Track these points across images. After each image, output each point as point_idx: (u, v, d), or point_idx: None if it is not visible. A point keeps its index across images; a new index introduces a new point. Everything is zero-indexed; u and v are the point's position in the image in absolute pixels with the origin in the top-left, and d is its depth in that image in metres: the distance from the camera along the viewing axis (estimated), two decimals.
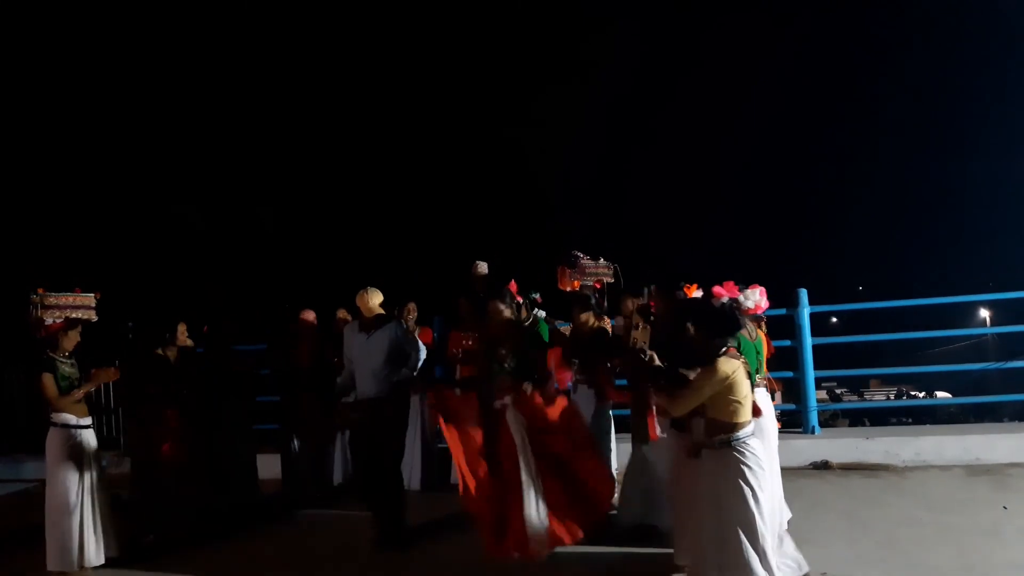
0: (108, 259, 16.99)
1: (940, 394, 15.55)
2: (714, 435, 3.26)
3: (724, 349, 3.27)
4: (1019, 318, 7.57)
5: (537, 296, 5.98)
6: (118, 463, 5.10)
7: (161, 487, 4.95)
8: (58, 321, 4.57)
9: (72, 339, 4.61)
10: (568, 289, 5.88)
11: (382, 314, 4.84)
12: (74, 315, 4.63)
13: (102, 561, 4.55)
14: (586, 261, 5.79)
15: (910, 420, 11.37)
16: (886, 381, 20.83)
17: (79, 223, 18.02)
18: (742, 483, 3.16)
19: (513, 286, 5.05)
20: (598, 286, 5.84)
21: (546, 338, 5.04)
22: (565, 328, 5.77)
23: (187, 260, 19.93)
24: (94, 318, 4.73)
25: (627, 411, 5.10)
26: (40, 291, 4.56)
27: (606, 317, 5.73)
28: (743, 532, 3.12)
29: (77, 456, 4.51)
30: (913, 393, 18.37)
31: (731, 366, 3.21)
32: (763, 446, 3.33)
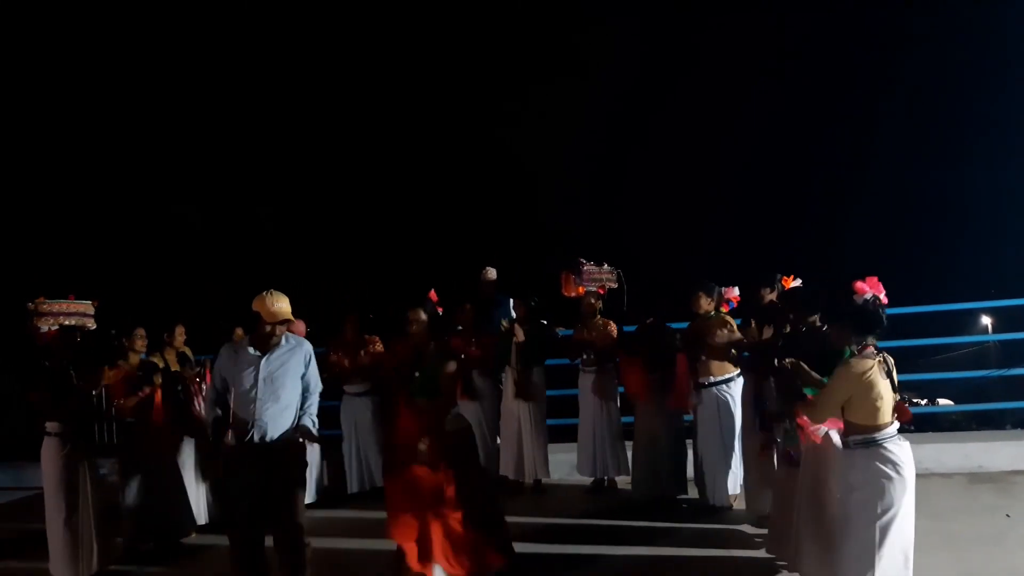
0: (107, 261, 16.96)
1: (942, 401, 15.49)
2: (849, 435, 3.08)
3: (860, 347, 3.10)
4: (1021, 325, 7.53)
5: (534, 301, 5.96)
6: (116, 470, 5.06)
7: (158, 493, 4.92)
8: (53, 329, 4.47)
9: (67, 347, 4.50)
10: (572, 295, 5.88)
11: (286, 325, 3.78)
12: (68, 322, 4.52)
13: (101, 568, 4.50)
14: (590, 267, 5.79)
15: (911, 427, 11.31)
16: None
17: (77, 224, 18.01)
18: (875, 488, 2.96)
19: (433, 295, 4.48)
20: (602, 292, 5.84)
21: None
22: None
23: (187, 260, 19.90)
24: (91, 325, 4.63)
25: None
26: (39, 299, 4.46)
27: (612, 322, 5.74)
28: (861, 539, 2.95)
29: (73, 465, 4.43)
30: (915, 400, 18.29)
31: (866, 364, 3.01)
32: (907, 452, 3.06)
